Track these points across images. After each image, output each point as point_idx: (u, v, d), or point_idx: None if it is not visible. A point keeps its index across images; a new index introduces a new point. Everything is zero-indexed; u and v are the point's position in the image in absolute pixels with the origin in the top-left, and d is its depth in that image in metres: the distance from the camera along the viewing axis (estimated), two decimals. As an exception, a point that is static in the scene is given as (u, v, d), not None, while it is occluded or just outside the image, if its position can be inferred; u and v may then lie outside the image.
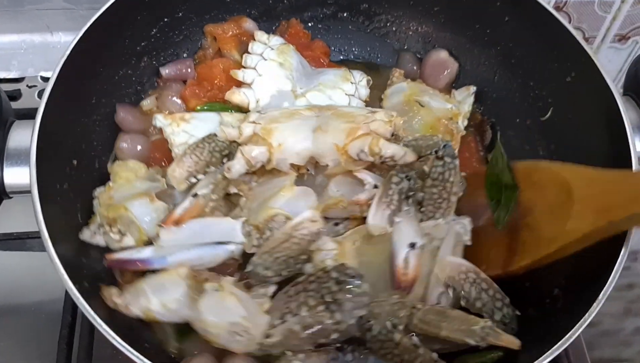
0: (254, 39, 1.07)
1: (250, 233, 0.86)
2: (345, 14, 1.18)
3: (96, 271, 0.88)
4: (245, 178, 0.94)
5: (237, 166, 0.89)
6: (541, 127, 1.05)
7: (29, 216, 1.01)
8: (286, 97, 1.02)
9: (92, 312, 0.75)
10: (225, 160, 0.94)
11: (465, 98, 1.11)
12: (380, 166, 0.92)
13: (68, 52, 0.91)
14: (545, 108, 1.05)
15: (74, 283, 0.77)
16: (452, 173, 0.87)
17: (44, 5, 1.25)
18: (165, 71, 1.10)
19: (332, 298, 0.76)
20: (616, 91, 0.92)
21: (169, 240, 0.86)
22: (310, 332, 0.77)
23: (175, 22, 1.10)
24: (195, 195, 0.89)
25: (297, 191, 0.90)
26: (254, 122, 0.93)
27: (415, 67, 1.17)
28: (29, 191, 0.82)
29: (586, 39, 1.41)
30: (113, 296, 0.82)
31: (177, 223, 0.87)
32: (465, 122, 1.08)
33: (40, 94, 1.29)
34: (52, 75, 0.89)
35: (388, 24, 1.19)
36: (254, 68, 1.04)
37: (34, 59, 1.31)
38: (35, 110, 1.09)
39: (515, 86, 1.10)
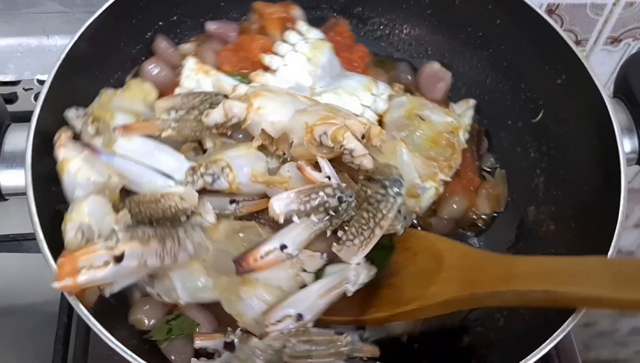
0: (293, 29, 1.09)
1: (192, 181, 0.88)
2: (338, 17, 1.19)
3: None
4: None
5: (214, 113, 0.91)
6: (532, 129, 1.06)
7: (25, 218, 1.03)
8: (302, 93, 1.01)
9: (86, 312, 0.76)
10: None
11: (465, 111, 1.11)
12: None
13: (63, 55, 0.92)
14: (536, 110, 1.06)
15: (69, 284, 0.77)
16: (388, 207, 0.84)
17: (39, 8, 1.26)
18: (211, 27, 1.12)
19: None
20: (605, 93, 0.93)
21: (123, 147, 0.89)
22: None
23: (170, 25, 1.11)
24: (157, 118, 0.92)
25: (252, 152, 0.91)
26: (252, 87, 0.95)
27: (409, 77, 1.17)
28: (25, 193, 0.83)
29: (578, 42, 1.42)
30: (63, 134, 0.89)
31: (125, 129, 0.89)
32: (467, 136, 1.08)
33: (36, 97, 1.30)
34: (48, 78, 0.90)
35: (381, 27, 1.20)
36: (282, 57, 1.06)
37: (30, 62, 1.31)
38: (32, 113, 1.11)
39: (507, 88, 1.11)
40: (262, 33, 1.11)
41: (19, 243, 1.07)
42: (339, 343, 0.83)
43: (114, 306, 0.87)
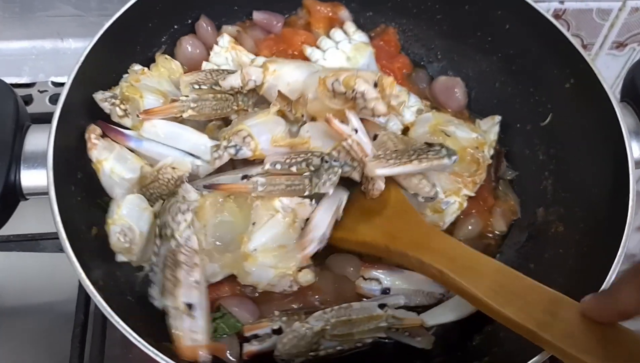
0: (340, 27, 1.12)
1: (217, 157, 0.91)
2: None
3: (109, 270, 0.90)
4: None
5: (231, 78, 0.95)
6: (541, 132, 1.08)
7: (40, 218, 1.06)
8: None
9: (109, 309, 0.78)
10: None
11: (490, 127, 1.12)
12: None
13: (82, 57, 0.93)
14: (545, 114, 1.07)
15: (92, 283, 0.79)
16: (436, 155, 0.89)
17: (54, 12, 1.27)
18: (258, 16, 1.15)
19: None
20: (614, 97, 0.95)
21: (149, 132, 0.93)
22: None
23: (185, 28, 1.12)
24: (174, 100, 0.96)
25: (271, 118, 0.93)
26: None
27: (424, 85, 1.18)
28: (46, 193, 0.85)
29: (584, 46, 1.44)
30: (93, 133, 0.93)
31: (147, 113, 0.93)
32: (492, 151, 1.08)
33: (51, 99, 1.32)
34: (67, 79, 0.91)
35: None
36: (324, 51, 1.09)
37: (44, 64, 1.33)
38: (47, 114, 1.12)
39: (516, 92, 1.12)
40: (307, 29, 1.15)
41: (37, 242, 1.09)
42: (378, 318, 0.88)
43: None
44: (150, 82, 1.00)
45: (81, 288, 1.06)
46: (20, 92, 1.31)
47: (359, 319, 0.88)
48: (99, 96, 0.96)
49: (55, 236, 1.04)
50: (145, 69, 1.02)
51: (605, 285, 0.84)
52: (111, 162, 0.92)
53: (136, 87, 0.97)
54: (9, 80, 0.96)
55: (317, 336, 0.87)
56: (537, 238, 1.04)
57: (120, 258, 0.91)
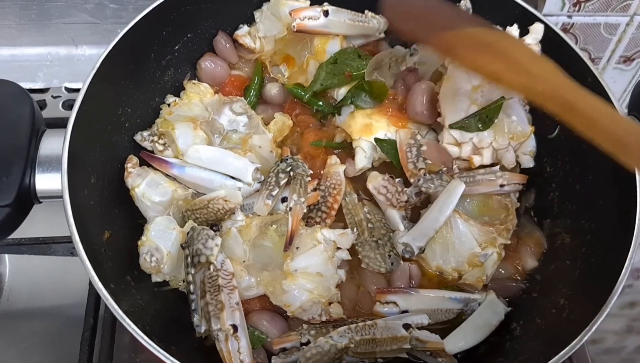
0: None
1: (258, 178, 0.98)
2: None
3: (120, 273, 0.91)
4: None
5: None
6: (548, 145, 1.08)
7: (51, 222, 1.07)
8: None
9: (120, 312, 0.79)
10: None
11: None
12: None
13: (97, 64, 0.95)
14: (552, 127, 1.08)
15: (104, 285, 0.80)
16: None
17: (70, 19, 1.29)
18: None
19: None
20: (621, 110, 0.96)
21: (193, 157, 0.99)
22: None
23: (197, 37, 1.14)
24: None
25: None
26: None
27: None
28: (59, 197, 0.86)
29: (592, 60, 1.45)
30: (130, 162, 0.99)
31: None
32: (517, 195, 1.08)
33: (64, 105, 1.34)
34: (83, 85, 0.93)
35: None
36: None
37: (59, 71, 1.35)
38: (60, 119, 1.15)
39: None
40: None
41: (48, 245, 1.10)
42: (403, 340, 0.88)
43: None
44: (182, 111, 1.05)
45: (91, 291, 1.07)
46: (35, 97, 1.30)
47: (383, 339, 0.88)
48: (138, 138, 1.03)
49: (66, 240, 1.08)
50: (177, 99, 1.08)
51: (611, 298, 0.84)
52: (143, 187, 0.97)
53: (169, 120, 1.03)
54: (24, 85, 0.97)
55: (341, 352, 0.88)
56: (544, 249, 1.05)
57: (155, 278, 0.94)
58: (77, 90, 1.32)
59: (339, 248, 0.94)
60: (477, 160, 1.01)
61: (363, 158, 1.04)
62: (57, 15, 1.29)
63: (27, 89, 1.11)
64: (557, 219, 1.05)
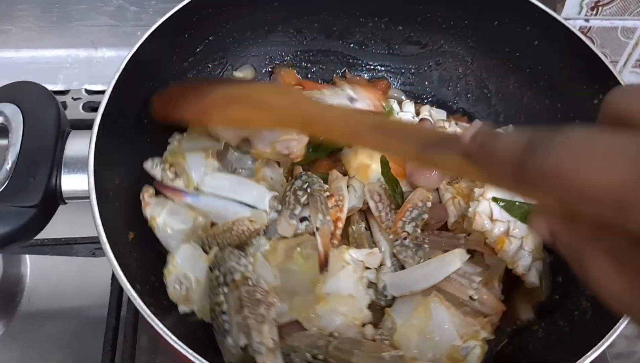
0: None
1: (275, 206, 0.96)
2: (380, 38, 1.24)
3: (145, 274, 0.92)
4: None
5: None
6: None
7: (73, 222, 1.08)
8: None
9: (148, 312, 0.79)
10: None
11: None
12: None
13: (122, 66, 0.95)
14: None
15: (132, 286, 0.81)
16: None
17: (91, 22, 1.30)
18: None
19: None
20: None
21: (209, 185, 0.98)
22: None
23: (219, 40, 1.14)
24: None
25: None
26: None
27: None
28: (85, 198, 0.86)
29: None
30: (147, 193, 0.98)
31: None
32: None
33: (84, 107, 1.35)
34: (108, 87, 0.93)
35: (422, 45, 1.23)
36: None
37: (79, 73, 1.36)
38: (80, 121, 1.16)
39: (543, 108, 1.13)
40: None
41: (70, 246, 1.11)
42: (385, 351, 0.86)
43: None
44: (190, 144, 1.03)
45: (113, 292, 1.07)
46: (56, 99, 1.34)
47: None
48: (148, 166, 1.01)
49: (88, 241, 1.09)
50: (185, 134, 1.05)
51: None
52: (164, 216, 0.96)
53: (178, 152, 1.02)
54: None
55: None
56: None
57: (182, 309, 0.92)
58: (97, 92, 1.35)
59: (367, 268, 0.93)
60: (507, 244, 0.96)
61: (353, 196, 1.01)
62: (77, 18, 1.30)
63: (48, 91, 1.13)
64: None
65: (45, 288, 1.17)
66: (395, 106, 1.14)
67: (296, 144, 1.01)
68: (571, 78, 1.08)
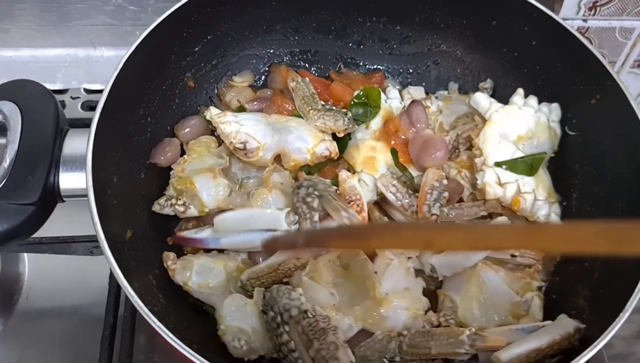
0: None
1: (293, 220, 0.95)
2: (378, 37, 1.24)
3: (143, 272, 0.92)
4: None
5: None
6: (566, 146, 1.09)
7: (71, 221, 1.08)
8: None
9: (146, 310, 0.79)
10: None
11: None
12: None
13: (121, 64, 0.96)
14: (570, 129, 1.08)
15: (129, 283, 0.81)
16: None
17: (90, 21, 1.30)
18: None
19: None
20: (639, 113, 0.96)
21: (222, 227, 0.96)
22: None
23: (217, 39, 1.15)
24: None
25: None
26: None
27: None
28: (83, 196, 0.87)
29: (607, 64, 1.45)
30: (169, 260, 0.96)
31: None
32: None
33: (83, 105, 1.35)
34: (107, 85, 0.94)
35: (421, 44, 1.24)
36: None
37: (77, 72, 1.36)
38: (79, 120, 1.16)
39: (541, 107, 1.14)
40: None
41: (68, 245, 1.11)
42: (460, 334, 0.86)
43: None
44: (195, 166, 1.02)
45: (111, 290, 1.08)
46: (54, 98, 1.34)
47: (440, 333, 0.88)
48: (156, 208, 1.00)
49: (86, 239, 1.09)
50: (185, 156, 1.05)
51: (632, 299, 0.84)
52: (195, 279, 0.95)
53: (184, 177, 1.00)
54: (43, 85, 0.98)
55: (394, 341, 0.87)
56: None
57: (250, 357, 0.91)
58: (96, 91, 1.35)
59: (409, 258, 0.95)
60: (522, 202, 0.99)
61: (367, 191, 1.02)
62: (76, 17, 1.30)
63: (47, 90, 1.13)
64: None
65: (44, 287, 1.17)
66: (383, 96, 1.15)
67: (330, 144, 1.04)
68: (568, 78, 1.08)
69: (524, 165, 1.01)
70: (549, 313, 0.96)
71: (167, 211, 1.00)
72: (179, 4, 1.04)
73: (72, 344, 1.10)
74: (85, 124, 0.91)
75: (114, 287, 1.07)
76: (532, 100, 1.08)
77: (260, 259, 0.98)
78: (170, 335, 0.78)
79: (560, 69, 1.09)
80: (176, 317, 0.88)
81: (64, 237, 1.11)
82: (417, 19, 1.20)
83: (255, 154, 1.01)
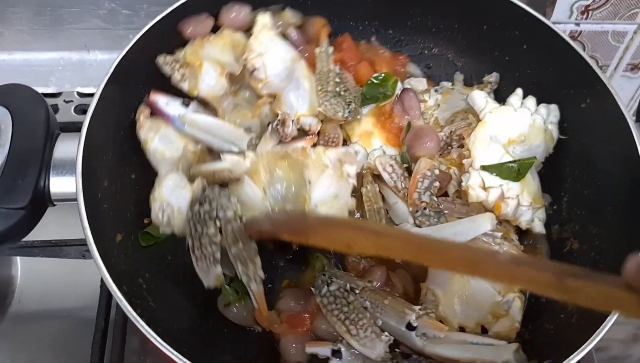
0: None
1: (253, 145, 1.01)
2: (372, 40, 1.24)
3: (133, 275, 0.92)
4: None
5: None
6: (558, 151, 1.09)
7: (63, 224, 1.08)
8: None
9: (134, 313, 0.80)
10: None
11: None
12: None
13: (112, 69, 0.96)
14: (561, 133, 1.08)
15: (118, 287, 0.81)
16: None
17: (83, 24, 1.31)
18: None
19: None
20: (630, 117, 0.96)
21: (191, 123, 1.01)
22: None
23: (209, 43, 1.15)
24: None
25: None
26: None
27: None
28: (73, 200, 0.87)
29: (599, 68, 1.45)
30: (142, 114, 1.00)
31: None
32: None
33: (76, 109, 1.36)
34: (97, 89, 0.94)
35: (413, 48, 1.24)
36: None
37: (71, 75, 1.37)
38: (72, 123, 1.15)
39: (532, 111, 1.14)
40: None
41: (60, 248, 1.11)
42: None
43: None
44: (213, 51, 1.05)
45: (102, 294, 1.08)
46: (47, 101, 1.33)
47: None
48: (160, 60, 1.04)
49: (78, 243, 1.09)
50: (211, 35, 1.07)
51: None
52: (156, 142, 0.99)
53: (198, 54, 1.03)
54: (37, 89, 0.98)
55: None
56: (553, 255, 1.05)
57: (164, 230, 0.97)
58: (89, 95, 1.36)
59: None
60: (504, 207, 0.99)
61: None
62: (70, 21, 1.30)
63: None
64: (566, 224, 1.05)
65: (35, 290, 1.17)
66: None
67: (315, 124, 1.05)
68: (559, 82, 1.09)
69: (510, 171, 1.00)
70: (538, 316, 0.96)
71: (167, 69, 1.03)
72: (172, 8, 1.05)
73: (64, 347, 1.11)
74: (78, 127, 0.92)
75: (106, 290, 1.08)
76: (530, 101, 1.08)
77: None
78: (159, 339, 0.79)
79: (551, 73, 1.10)
80: (166, 321, 0.88)
81: (55, 240, 1.11)
82: (409, 22, 1.21)
83: (255, 83, 1.03)
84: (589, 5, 1.30)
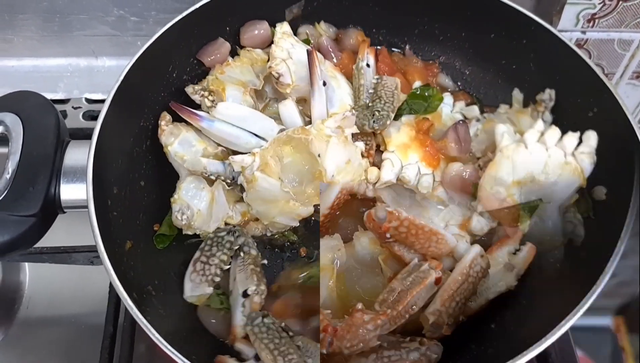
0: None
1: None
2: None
3: (142, 283, 0.93)
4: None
5: None
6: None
7: (71, 231, 1.08)
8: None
9: (144, 320, 0.80)
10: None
11: None
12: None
13: (122, 76, 0.97)
14: (568, 141, 1.09)
15: (128, 294, 0.82)
16: None
17: (91, 31, 1.32)
18: None
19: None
20: (637, 125, 0.96)
21: (221, 113, 1.02)
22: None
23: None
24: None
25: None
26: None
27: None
28: (84, 207, 0.87)
29: (605, 75, 1.45)
30: (164, 120, 1.03)
31: None
32: None
33: (84, 115, 1.36)
34: (108, 97, 0.95)
35: (420, 56, 1.24)
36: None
37: (79, 81, 1.37)
38: (80, 130, 1.16)
39: (540, 120, 1.14)
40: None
41: (69, 254, 1.11)
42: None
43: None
44: (234, 73, 1.09)
45: (111, 300, 1.08)
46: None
47: None
48: (189, 90, 1.08)
49: (86, 249, 1.09)
50: (230, 59, 1.11)
51: (589, 295, 0.84)
52: (175, 146, 1.02)
53: (220, 80, 1.08)
54: (45, 96, 0.99)
55: None
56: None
57: (185, 231, 1.01)
58: (98, 101, 1.36)
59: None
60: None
61: (390, 171, 1.03)
62: (78, 28, 1.31)
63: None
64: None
65: (44, 296, 1.18)
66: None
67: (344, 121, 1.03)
68: (566, 91, 1.09)
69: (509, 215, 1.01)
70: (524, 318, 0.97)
71: (197, 98, 1.07)
72: (181, 16, 1.05)
73: (72, 353, 1.11)
74: (86, 134, 0.92)
75: (114, 297, 1.08)
76: (550, 134, 1.02)
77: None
78: (169, 346, 0.79)
79: (559, 81, 1.10)
80: (175, 328, 0.89)
81: (64, 247, 1.11)
82: (417, 30, 1.22)
83: (283, 88, 1.06)
84: (595, 14, 1.30)
